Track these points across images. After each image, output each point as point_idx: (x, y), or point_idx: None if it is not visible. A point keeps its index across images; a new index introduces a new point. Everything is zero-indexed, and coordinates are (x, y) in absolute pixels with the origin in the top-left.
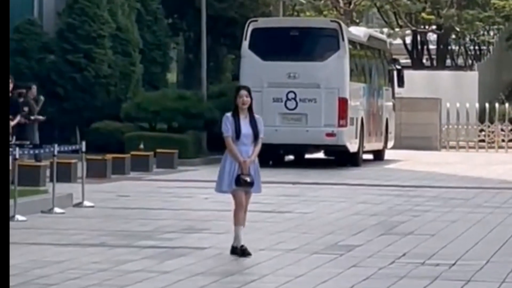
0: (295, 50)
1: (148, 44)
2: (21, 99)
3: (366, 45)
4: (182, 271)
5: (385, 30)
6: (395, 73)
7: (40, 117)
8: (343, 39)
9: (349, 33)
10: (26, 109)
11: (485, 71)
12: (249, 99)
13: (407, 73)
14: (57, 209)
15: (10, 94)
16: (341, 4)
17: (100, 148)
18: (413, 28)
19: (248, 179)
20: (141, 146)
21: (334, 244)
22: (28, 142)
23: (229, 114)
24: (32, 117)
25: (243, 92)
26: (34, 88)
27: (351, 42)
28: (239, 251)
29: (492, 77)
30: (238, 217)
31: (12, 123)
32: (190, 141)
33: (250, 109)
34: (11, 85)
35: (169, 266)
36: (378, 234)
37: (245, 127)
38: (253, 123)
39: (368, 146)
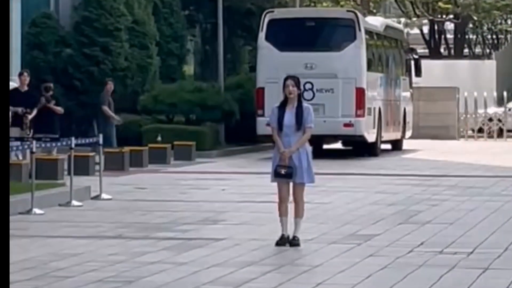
0: (311, 40)
1: (164, 37)
2: (49, 93)
3: (383, 35)
4: (199, 262)
5: (402, 19)
6: (412, 62)
7: (58, 108)
8: (359, 29)
9: (365, 23)
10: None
11: (503, 59)
12: (295, 88)
13: (424, 62)
14: (74, 202)
15: (27, 88)
16: None
17: (118, 141)
18: (430, 18)
19: (283, 171)
20: (159, 138)
21: (352, 233)
22: (52, 136)
23: (275, 105)
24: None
25: (289, 82)
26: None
27: (368, 32)
28: (286, 241)
29: (509, 65)
30: (279, 209)
31: (30, 116)
32: (208, 133)
33: (299, 99)
34: (27, 79)
35: (186, 258)
36: (396, 223)
37: (288, 118)
38: (298, 113)
39: (386, 136)
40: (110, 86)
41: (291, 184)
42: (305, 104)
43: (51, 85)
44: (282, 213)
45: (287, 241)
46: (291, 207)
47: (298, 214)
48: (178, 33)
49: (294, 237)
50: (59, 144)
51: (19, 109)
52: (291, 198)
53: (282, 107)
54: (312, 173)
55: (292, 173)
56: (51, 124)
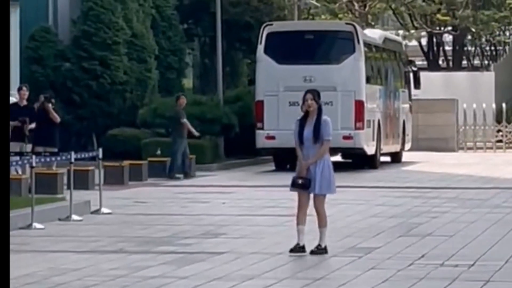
0: (310, 53)
1: (163, 50)
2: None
3: (382, 47)
4: (200, 276)
5: (401, 32)
6: (411, 75)
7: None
8: (358, 42)
9: (364, 36)
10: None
11: (502, 71)
12: (313, 102)
13: (423, 74)
14: (74, 217)
15: (26, 103)
16: (356, 7)
17: (117, 154)
18: (429, 30)
19: (300, 181)
20: (158, 152)
21: (353, 246)
22: (51, 149)
23: (297, 118)
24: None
25: (308, 96)
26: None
27: (367, 44)
28: (299, 250)
29: (508, 77)
30: (297, 217)
31: (29, 127)
32: (207, 146)
33: (319, 112)
34: (26, 93)
35: (187, 272)
36: (396, 236)
37: (308, 130)
38: (316, 126)
39: (385, 148)
40: (183, 100)
41: (311, 195)
42: (324, 117)
43: (51, 98)
44: (299, 221)
45: (300, 250)
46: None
47: (321, 224)
48: (177, 47)
49: (318, 245)
50: (58, 158)
51: (18, 121)
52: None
53: (304, 120)
54: (331, 184)
55: (308, 184)
56: (51, 137)
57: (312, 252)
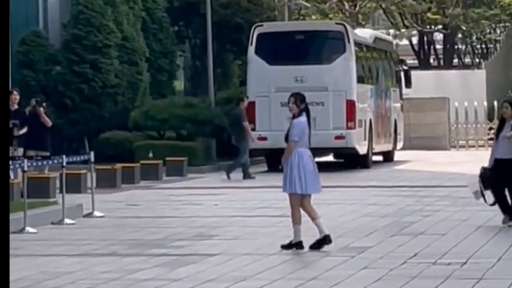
0: (301, 54)
1: (154, 53)
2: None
3: (373, 47)
4: (193, 278)
5: (391, 31)
6: (402, 74)
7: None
8: (349, 42)
9: (355, 35)
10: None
11: (493, 69)
12: (294, 105)
13: (414, 73)
14: (67, 220)
15: (17, 107)
16: (347, 7)
17: (109, 158)
18: (419, 29)
19: None
20: (150, 154)
21: (346, 246)
22: (43, 153)
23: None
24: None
25: (290, 99)
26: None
27: (357, 44)
28: (298, 246)
29: (499, 75)
30: (292, 216)
31: (20, 132)
32: (199, 148)
33: (299, 114)
34: (17, 98)
35: (180, 274)
36: (389, 235)
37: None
38: (290, 127)
39: (377, 148)
40: (244, 103)
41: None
42: (299, 118)
43: (44, 104)
44: (295, 220)
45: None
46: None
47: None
48: (168, 49)
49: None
50: (50, 162)
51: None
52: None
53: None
54: (292, 183)
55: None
56: (42, 141)
57: (282, 247)
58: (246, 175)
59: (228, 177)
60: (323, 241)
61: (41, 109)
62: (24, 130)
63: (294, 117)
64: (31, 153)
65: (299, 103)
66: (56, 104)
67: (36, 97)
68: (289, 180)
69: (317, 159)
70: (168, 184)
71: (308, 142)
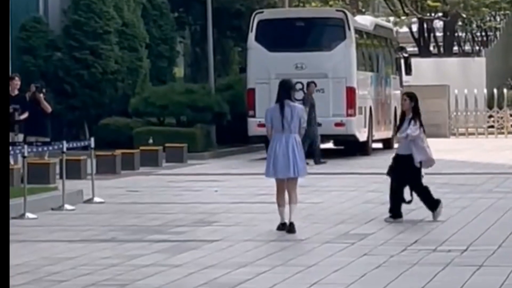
0: (301, 40)
1: (154, 39)
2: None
3: (373, 34)
4: (194, 264)
5: (391, 18)
6: (402, 61)
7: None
8: (349, 29)
9: (355, 22)
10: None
11: (493, 57)
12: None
13: (414, 61)
14: (67, 206)
15: (17, 92)
16: None
17: (109, 144)
18: (419, 16)
19: None
20: (150, 141)
21: (346, 233)
22: (43, 139)
23: None
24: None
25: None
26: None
27: (358, 31)
28: (286, 228)
29: (499, 62)
30: (277, 200)
31: (21, 117)
32: (199, 134)
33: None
34: (18, 83)
35: (180, 260)
36: (389, 222)
37: None
38: None
39: (377, 135)
40: (313, 88)
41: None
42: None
43: (44, 90)
44: (279, 203)
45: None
46: None
47: (293, 201)
48: (168, 35)
49: (287, 222)
50: (50, 148)
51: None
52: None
53: None
54: (299, 167)
55: None
56: (43, 126)
57: (291, 231)
58: (317, 160)
59: (319, 162)
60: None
61: (41, 95)
62: (25, 115)
63: None
64: (31, 139)
65: (278, 88)
66: (56, 90)
67: (36, 83)
68: (266, 165)
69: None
70: (168, 170)
71: (282, 127)
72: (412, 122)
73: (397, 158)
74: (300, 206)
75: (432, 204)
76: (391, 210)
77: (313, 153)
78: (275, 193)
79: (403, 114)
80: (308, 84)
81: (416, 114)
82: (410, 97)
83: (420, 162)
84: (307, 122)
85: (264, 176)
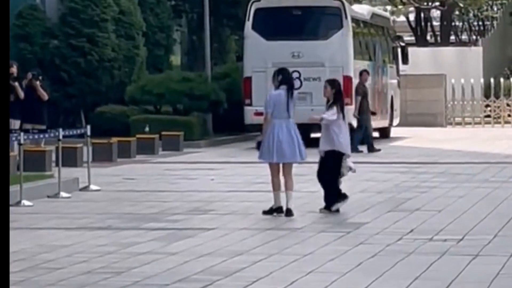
0: (298, 29)
1: (151, 27)
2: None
3: (370, 23)
4: (190, 252)
5: (388, 7)
6: (399, 50)
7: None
8: (346, 17)
9: (352, 11)
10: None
11: (490, 46)
12: (272, 79)
13: (411, 50)
14: (63, 194)
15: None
16: None
17: (106, 132)
18: (416, 5)
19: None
20: (147, 129)
21: (341, 222)
22: (40, 126)
23: None
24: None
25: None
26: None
27: (354, 20)
28: (283, 212)
29: (496, 52)
30: (272, 183)
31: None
32: (195, 123)
33: (280, 86)
34: (15, 71)
35: (176, 248)
36: (385, 211)
37: None
38: None
39: (373, 124)
40: (366, 76)
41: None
42: (270, 91)
43: (39, 77)
44: (275, 187)
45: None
46: None
47: (290, 187)
48: (165, 23)
49: (283, 207)
50: (47, 135)
51: None
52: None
53: None
54: (264, 152)
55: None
56: (39, 114)
57: (289, 215)
58: (371, 148)
59: (357, 150)
60: (277, 210)
61: (37, 82)
62: (21, 94)
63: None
64: (28, 126)
65: (276, 76)
66: (53, 78)
67: (33, 71)
68: (262, 149)
69: (313, 135)
70: (164, 159)
71: (287, 113)
72: (330, 108)
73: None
74: (296, 195)
75: (330, 201)
76: (326, 201)
77: (367, 142)
78: (271, 178)
79: (327, 101)
80: (361, 72)
81: (337, 100)
82: (331, 84)
83: (343, 154)
84: (360, 110)
85: (262, 159)
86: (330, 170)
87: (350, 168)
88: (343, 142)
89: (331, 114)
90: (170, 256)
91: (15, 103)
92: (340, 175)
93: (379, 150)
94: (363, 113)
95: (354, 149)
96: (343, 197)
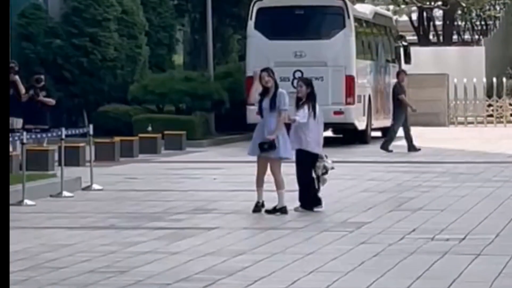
0: (301, 28)
1: (153, 26)
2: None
3: (372, 22)
4: (192, 251)
5: (391, 7)
6: (401, 50)
7: (49, 100)
8: (348, 17)
9: (354, 11)
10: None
11: (492, 46)
12: (270, 78)
13: (413, 49)
14: (65, 193)
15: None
16: None
17: (108, 131)
18: (419, 5)
19: (265, 146)
20: (149, 128)
21: (344, 221)
22: (42, 127)
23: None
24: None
25: (263, 74)
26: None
27: (357, 19)
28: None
29: (499, 51)
30: (256, 180)
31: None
32: (198, 122)
33: (276, 86)
34: (16, 69)
35: (178, 247)
36: (387, 210)
37: (266, 102)
38: (272, 98)
39: (376, 123)
40: (402, 75)
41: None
42: (279, 90)
43: (42, 77)
44: (259, 183)
45: (259, 209)
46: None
47: (281, 185)
48: (167, 23)
49: (274, 206)
50: (49, 135)
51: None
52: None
53: (263, 94)
54: (287, 150)
55: (274, 146)
56: (41, 115)
57: (267, 211)
58: (411, 147)
59: (388, 150)
60: (278, 211)
61: (40, 94)
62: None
63: (265, 89)
64: (30, 126)
65: (273, 74)
66: (56, 77)
67: (36, 75)
68: (287, 146)
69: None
70: (166, 158)
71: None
72: (301, 107)
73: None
74: (298, 195)
75: (306, 202)
76: (301, 200)
77: (407, 140)
78: (280, 177)
79: (299, 100)
80: (398, 73)
81: (309, 100)
82: (307, 84)
83: (313, 154)
84: (398, 110)
85: (288, 156)
86: (302, 169)
87: (325, 168)
88: (311, 141)
89: (303, 116)
90: (173, 255)
91: (17, 103)
92: (316, 175)
93: (419, 149)
94: (400, 112)
95: (385, 147)
96: (318, 202)
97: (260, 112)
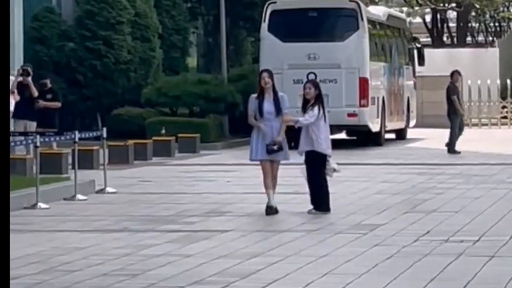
0: (314, 31)
1: (167, 29)
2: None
3: (386, 24)
4: (205, 254)
5: (405, 9)
6: (415, 51)
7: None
8: (362, 19)
9: (368, 13)
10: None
11: (506, 47)
12: (270, 79)
13: (427, 51)
14: (79, 196)
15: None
16: None
17: (122, 134)
18: (433, 6)
19: (275, 147)
20: (163, 131)
21: (358, 223)
22: (51, 130)
23: (253, 96)
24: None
25: (264, 74)
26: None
27: (371, 21)
28: (273, 210)
29: None
30: (266, 183)
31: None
32: (212, 125)
33: (274, 89)
34: (30, 72)
35: (192, 250)
36: (401, 212)
37: (268, 105)
38: (276, 101)
39: (390, 125)
40: (457, 76)
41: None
42: (280, 93)
43: (47, 81)
44: (268, 186)
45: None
46: None
47: (274, 187)
48: (181, 26)
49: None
50: (63, 138)
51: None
52: None
53: (260, 96)
54: (286, 152)
55: (282, 148)
56: (50, 119)
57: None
58: (451, 149)
59: (455, 152)
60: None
61: (47, 98)
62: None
63: (262, 91)
64: (39, 130)
65: (272, 76)
66: (69, 80)
67: (43, 80)
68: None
69: (329, 137)
70: (180, 161)
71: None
72: (310, 109)
73: (306, 154)
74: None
75: (320, 204)
76: (314, 202)
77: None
78: (263, 178)
79: (307, 102)
80: (452, 73)
81: (318, 101)
82: (315, 85)
83: (324, 155)
84: (452, 111)
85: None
86: (315, 170)
87: (334, 170)
88: (322, 142)
89: (310, 116)
90: (186, 258)
91: (31, 106)
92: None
93: (459, 152)
94: (453, 113)
95: (451, 150)
96: (327, 208)
97: (261, 115)
